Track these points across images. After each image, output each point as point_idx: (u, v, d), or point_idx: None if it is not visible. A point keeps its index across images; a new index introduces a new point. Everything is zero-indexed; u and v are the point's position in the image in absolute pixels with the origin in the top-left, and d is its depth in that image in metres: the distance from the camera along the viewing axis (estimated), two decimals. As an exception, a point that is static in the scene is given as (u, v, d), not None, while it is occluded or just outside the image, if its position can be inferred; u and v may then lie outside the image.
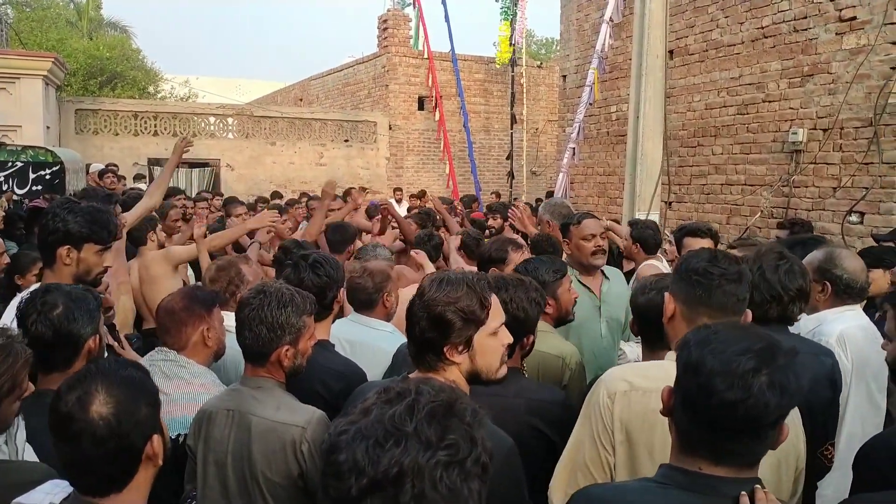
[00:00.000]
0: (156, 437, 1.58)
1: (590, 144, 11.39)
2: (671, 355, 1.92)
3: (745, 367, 1.33)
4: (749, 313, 2.03)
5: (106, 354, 2.45)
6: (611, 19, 10.06)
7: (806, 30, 7.48)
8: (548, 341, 2.71)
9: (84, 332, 2.09)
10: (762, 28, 8.03)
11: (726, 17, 8.57)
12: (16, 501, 1.55)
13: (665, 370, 1.93)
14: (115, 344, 2.80)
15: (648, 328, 2.33)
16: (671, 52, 8.88)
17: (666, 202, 8.27)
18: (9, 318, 2.57)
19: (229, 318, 2.55)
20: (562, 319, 2.99)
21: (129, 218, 3.91)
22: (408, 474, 0.98)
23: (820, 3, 7.28)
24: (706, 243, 3.97)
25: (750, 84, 8.23)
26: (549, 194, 13.79)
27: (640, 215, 6.85)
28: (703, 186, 9.05)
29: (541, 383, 2.57)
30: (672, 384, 1.84)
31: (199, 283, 3.08)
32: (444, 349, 1.79)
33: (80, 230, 2.58)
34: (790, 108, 7.72)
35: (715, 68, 8.76)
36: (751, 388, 1.31)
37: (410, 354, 1.87)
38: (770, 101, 7.97)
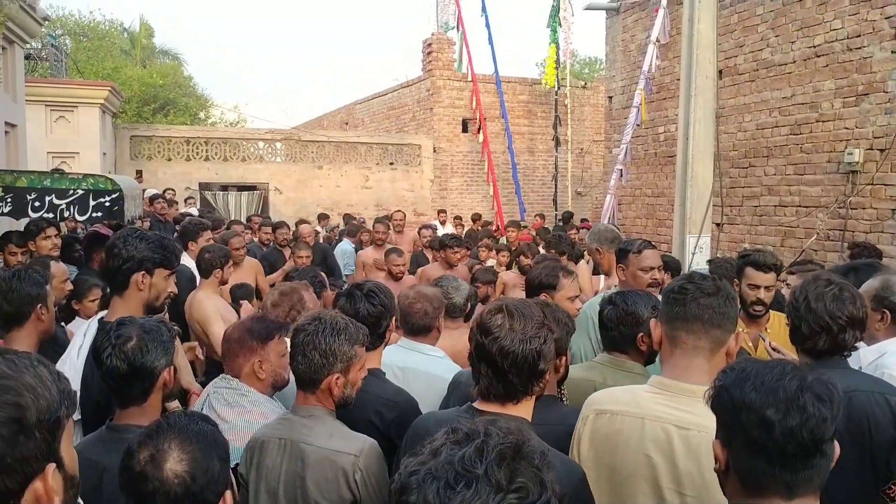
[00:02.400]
0: (228, 494, 1.56)
1: (637, 166, 11.29)
2: (654, 380, 2.01)
3: (792, 388, 1.33)
4: (741, 334, 2.02)
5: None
6: (657, 40, 9.99)
7: (860, 48, 7.31)
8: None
9: (158, 365, 2.09)
10: (814, 47, 7.89)
11: (777, 37, 8.44)
12: None
13: (633, 394, 2.04)
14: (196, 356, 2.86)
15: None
16: (720, 71, 8.77)
17: (718, 224, 8.13)
18: (76, 345, 2.65)
19: None
20: (653, 355, 2.89)
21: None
22: None
23: (874, 21, 7.12)
24: (768, 279, 3.68)
25: (803, 104, 8.07)
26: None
27: (692, 238, 6.75)
28: (756, 208, 8.87)
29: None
30: (641, 410, 1.94)
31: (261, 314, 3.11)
32: (537, 385, 1.87)
33: (152, 256, 2.66)
34: (845, 127, 7.54)
35: (766, 88, 8.62)
36: (805, 408, 1.31)
37: (492, 393, 1.87)
38: (824, 121, 7.80)
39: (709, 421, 1.83)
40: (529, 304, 1.95)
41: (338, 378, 2.15)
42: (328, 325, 2.17)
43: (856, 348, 2.52)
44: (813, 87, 7.91)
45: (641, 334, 2.63)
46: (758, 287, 3.67)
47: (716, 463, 1.46)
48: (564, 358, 2.41)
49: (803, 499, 1.36)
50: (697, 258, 6.43)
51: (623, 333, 2.67)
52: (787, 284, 4.67)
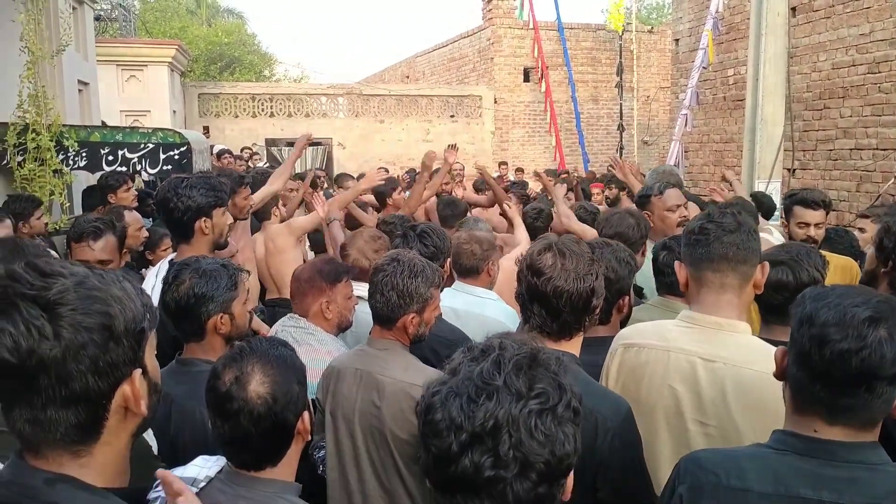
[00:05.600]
0: (306, 414, 1.64)
1: (705, 111, 10.93)
2: (683, 314, 1.99)
3: (861, 316, 1.30)
4: (766, 266, 1.98)
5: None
6: (727, -23, 9.55)
7: (948, -23, 6.84)
8: None
9: (205, 310, 2.14)
10: (897, -22, 7.41)
11: (856, -31, 7.96)
12: (170, 473, 1.61)
13: (661, 328, 2.04)
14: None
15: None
16: (794, 9, 8.35)
17: (789, 169, 7.85)
18: (150, 285, 2.80)
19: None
20: None
21: (255, 198, 4.12)
22: (503, 425, 1.02)
23: (965, -53, 6.63)
24: (817, 216, 3.68)
25: (882, 40, 7.63)
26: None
27: (761, 184, 6.55)
28: (830, 152, 8.51)
29: None
30: (667, 343, 1.94)
31: (331, 256, 3.19)
32: (589, 320, 1.90)
33: (207, 200, 2.77)
34: (929, 63, 7.11)
35: (842, 24, 8.17)
36: (866, 339, 1.28)
37: (546, 331, 1.89)
38: (905, 58, 7.37)
39: (735, 353, 1.85)
40: (578, 241, 1.97)
41: (413, 318, 2.21)
42: (406, 266, 2.22)
43: None
44: (893, 21, 7.45)
45: None
46: (807, 225, 3.62)
47: (775, 369, 1.47)
48: (628, 298, 2.42)
49: (847, 428, 1.35)
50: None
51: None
52: (860, 230, 4.52)
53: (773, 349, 1.73)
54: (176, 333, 2.24)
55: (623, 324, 2.45)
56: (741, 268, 1.91)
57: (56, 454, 1.07)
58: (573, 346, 1.91)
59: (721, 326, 1.89)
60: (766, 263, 2.00)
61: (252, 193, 4.03)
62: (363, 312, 2.71)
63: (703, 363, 1.87)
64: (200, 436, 1.93)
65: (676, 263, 2.06)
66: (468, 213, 5.32)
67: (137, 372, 1.11)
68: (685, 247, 2.01)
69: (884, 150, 7.73)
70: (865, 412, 1.34)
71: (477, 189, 8.00)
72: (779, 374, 1.47)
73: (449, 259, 2.97)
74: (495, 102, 16.99)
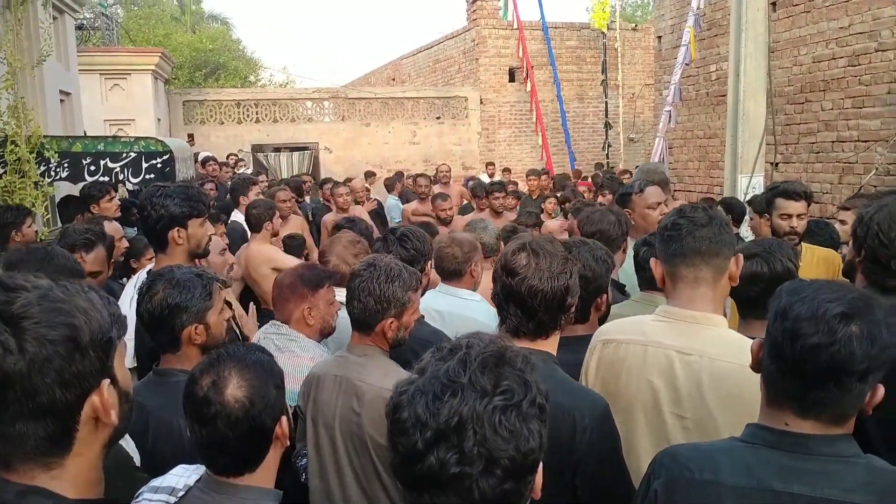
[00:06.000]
0: (284, 419, 1.64)
1: (688, 107, 10.98)
2: (660, 309, 2.01)
3: (833, 312, 1.31)
4: (740, 258, 2.00)
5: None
6: (707, -26, 9.59)
7: (924, -30, 6.90)
8: None
9: (179, 320, 2.12)
10: (874, -28, 7.47)
11: (833, -37, 8.02)
12: (150, 485, 1.62)
13: (639, 323, 2.06)
14: (239, 313, 2.94)
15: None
16: (773, 4, 8.41)
17: (772, 163, 7.90)
18: (128, 296, 2.79)
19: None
20: None
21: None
22: (468, 422, 1.02)
23: (940, -61, 6.69)
24: (799, 207, 3.71)
25: (861, 33, 7.69)
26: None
27: (744, 178, 6.58)
28: (812, 145, 8.57)
29: None
30: (645, 337, 1.96)
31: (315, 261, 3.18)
32: (564, 318, 1.91)
33: (181, 210, 2.75)
34: (907, 56, 7.17)
35: (822, 18, 8.24)
36: (836, 334, 1.30)
37: (522, 331, 1.89)
38: (884, 51, 7.44)
39: (710, 346, 1.87)
40: (551, 240, 1.98)
41: (391, 322, 2.21)
42: (383, 271, 2.22)
43: None
44: (872, 15, 7.52)
45: None
46: (790, 216, 3.64)
47: (751, 361, 1.49)
48: (605, 296, 2.44)
49: (818, 422, 1.36)
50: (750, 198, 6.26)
51: None
52: (842, 221, 4.55)
53: (748, 341, 1.75)
54: (153, 345, 2.24)
55: (601, 322, 2.46)
56: (714, 261, 1.93)
57: (27, 467, 1.07)
58: (550, 346, 1.92)
59: (696, 320, 1.91)
60: (741, 255, 2.02)
61: (234, 201, 4.01)
62: (344, 318, 2.72)
63: (680, 356, 1.89)
64: (178, 446, 1.93)
65: (652, 260, 2.08)
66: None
67: (106, 382, 1.11)
68: (659, 243, 2.04)
69: (865, 141, 7.80)
70: (836, 406, 1.36)
71: (475, 194, 7.97)
72: (754, 366, 1.49)
73: (431, 262, 2.98)
74: (481, 103, 17.01)
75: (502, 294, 1.90)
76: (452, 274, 3.11)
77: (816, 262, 3.75)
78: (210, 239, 2.91)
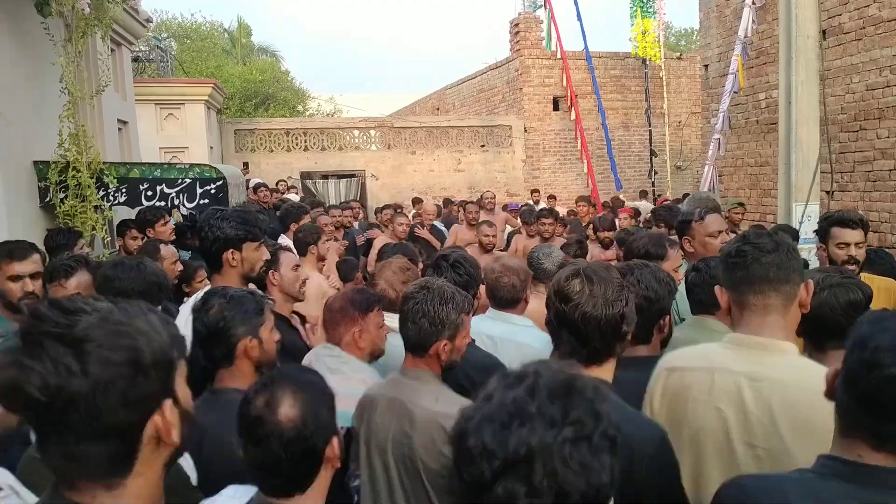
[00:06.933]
0: (335, 439, 1.65)
1: (737, 135, 10.83)
2: (728, 337, 1.96)
3: None
4: (811, 284, 1.94)
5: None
6: (753, 2, 9.53)
7: (984, -6, 6.72)
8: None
9: (235, 332, 2.18)
10: (930, -3, 7.32)
11: (886, -10, 7.88)
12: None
13: (705, 350, 2.01)
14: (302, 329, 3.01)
15: None
16: (824, 31, 8.27)
17: (828, 192, 7.70)
18: (183, 317, 2.84)
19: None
20: None
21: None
22: (537, 453, 0.99)
23: None
24: (856, 235, 3.63)
25: (917, 60, 7.51)
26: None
27: (798, 206, 6.43)
28: (869, 173, 8.35)
29: None
30: (711, 364, 1.91)
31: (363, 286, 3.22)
32: (619, 346, 1.86)
33: (236, 233, 2.82)
34: (967, 81, 6.97)
35: (874, 46, 8.08)
36: None
37: (576, 357, 1.86)
38: (941, 76, 7.24)
39: (781, 372, 1.81)
40: (607, 266, 1.95)
41: (445, 344, 2.21)
42: (436, 293, 2.23)
43: None
44: (928, 40, 7.35)
45: None
46: (847, 245, 3.56)
47: (825, 389, 1.43)
48: (668, 317, 2.40)
49: (893, 456, 1.30)
50: (805, 227, 6.12)
51: (708, 295, 2.68)
52: None
53: (821, 367, 1.69)
54: (206, 363, 2.27)
55: (664, 344, 2.42)
56: (783, 288, 1.88)
57: (90, 487, 1.08)
58: (604, 372, 1.88)
59: (766, 346, 1.85)
60: (811, 282, 1.97)
61: (284, 226, 4.07)
62: (391, 344, 2.73)
63: (749, 383, 1.83)
64: (231, 464, 1.92)
65: (717, 288, 2.03)
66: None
67: (168, 402, 1.12)
68: (725, 271, 1.98)
69: (924, 170, 7.58)
70: None
71: (524, 220, 7.97)
72: (828, 395, 1.43)
73: (482, 287, 2.97)
74: (525, 131, 17.06)
75: (556, 320, 1.87)
76: (510, 303, 3.09)
77: (877, 292, 3.62)
78: (266, 263, 2.95)
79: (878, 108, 8.13)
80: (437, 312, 2.20)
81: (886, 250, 4.99)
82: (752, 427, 1.81)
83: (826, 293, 2.22)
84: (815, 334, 2.30)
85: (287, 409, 1.58)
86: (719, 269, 2.04)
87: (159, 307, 3.14)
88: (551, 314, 1.89)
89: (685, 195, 14.04)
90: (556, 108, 17.26)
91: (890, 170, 8.06)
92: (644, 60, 16.87)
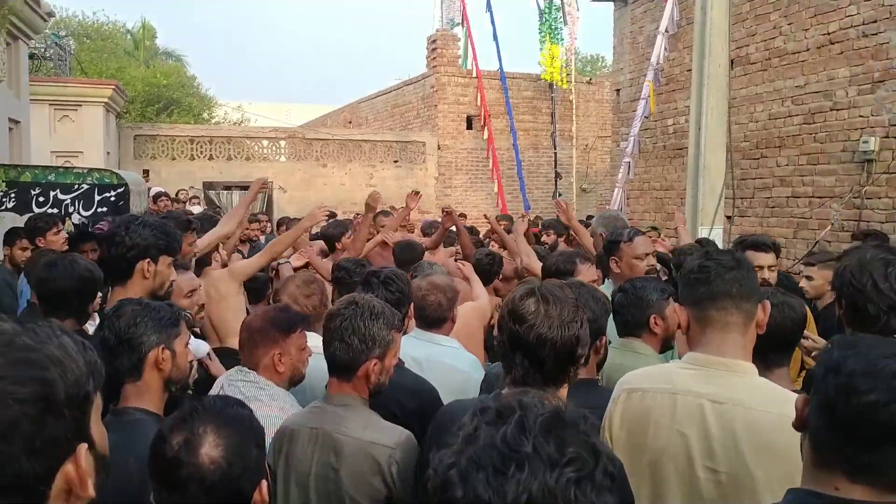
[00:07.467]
0: (264, 483, 1.45)
1: (646, 159, 11.18)
2: (688, 356, 1.93)
3: (892, 369, 1.21)
4: (767, 304, 1.95)
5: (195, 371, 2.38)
6: (666, 30, 9.88)
7: (876, 34, 7.20)
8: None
9: (146, 340, 2.00)
10: (829, 34, 7.78)
11: (790, 24, 8.33)
12: None
13: (666, 371, 1.98)
14: (205, 359, 2.78)
15: None
16: (731, 61, 8.64)
17: (728, 217, 8.01)
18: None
19: (315, 339, 2.48)
20: (668, 341, 2.85)
21: (201, 244, 3.91)
22: (539, 501, 0.86)
23: (891, 5, 7.01)
24: (769, 258, 3.77)
25: (816, 92, 7.96)
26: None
27: (703, 230, 6.64)
28: (768, 200, 8.76)
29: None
30: (673, 385, 1.87)
31: (286, 303, 3.00)
32: (573, 370, 1.77)
33: (157, 242, 2.59)
34: (860, 115, 7.43)
35: (778, 77, 8.51)
36: (895, 392, 1.19)
37: (528, 382, 1.74)
38: (838, 110, 7.69)
39: (745, 395, 1.78)
40: (561, 286, 1.85)
41: (375, 364, 2.08)
42: (366, 309, 2.10)
43: None
44: (827, 74, 7.79)
45: (654, 316, 2.70)
46: (761, 268, 3.68)
47: (794, 419, 1.37)
48: (604, 338, 2.34)
49: (871, 487, 1.24)
50: (710, 250, 6.30)
51: (635, 317, 2.73)
52: (808, 277, 4.58)
53: (784, 391, 1.67)
54: (111, 377, 2.04)
55: (599, 366, 2.36)
56: (744, 305, 1.86)
57: None
58: (558, 399, 1.78)
59: (728, 367, 1.81)
60: (767, 302, 1.95)
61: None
62: (310, 367, 2.56)
63: (712, 405, 1.79)
64: (131, 491, 1.68)
65: (676, 305, 2.03)
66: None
67: (83, 447, 0.92)
68: (684, 287, 1.95)
69: (819, 198, 7.99)
70: (892, 471, 1.25)
71: (424, 233, 7.92)
72: (798, 425, 1.36)
73: (412, 305, 2.82)
74: (439, 149, 17.08)
75: (509, 342, 1.75)
76: (435, 322, 2.96)
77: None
78: (172, 283, 2.73)
79: (779, 137, 8.55)
80: (367, 329, 2.07)
81: (787, 273, 5.19)
82: (715, 451, 1.77)
83: (775, 310, 2.22)
84: (763, 351, 2.31)
85: (210, 448, 1.37)
86: (679, 290, 2.00)
87: (97, 299, 2.98)
88: (504, 335, 1.78)
89: (589, 217, 14.43)
90: (469, 126, 17.38)
91: (787, 196, 8.47)
92: (551, 84, 17.26)
